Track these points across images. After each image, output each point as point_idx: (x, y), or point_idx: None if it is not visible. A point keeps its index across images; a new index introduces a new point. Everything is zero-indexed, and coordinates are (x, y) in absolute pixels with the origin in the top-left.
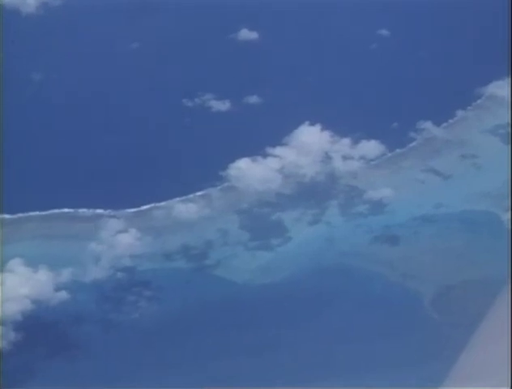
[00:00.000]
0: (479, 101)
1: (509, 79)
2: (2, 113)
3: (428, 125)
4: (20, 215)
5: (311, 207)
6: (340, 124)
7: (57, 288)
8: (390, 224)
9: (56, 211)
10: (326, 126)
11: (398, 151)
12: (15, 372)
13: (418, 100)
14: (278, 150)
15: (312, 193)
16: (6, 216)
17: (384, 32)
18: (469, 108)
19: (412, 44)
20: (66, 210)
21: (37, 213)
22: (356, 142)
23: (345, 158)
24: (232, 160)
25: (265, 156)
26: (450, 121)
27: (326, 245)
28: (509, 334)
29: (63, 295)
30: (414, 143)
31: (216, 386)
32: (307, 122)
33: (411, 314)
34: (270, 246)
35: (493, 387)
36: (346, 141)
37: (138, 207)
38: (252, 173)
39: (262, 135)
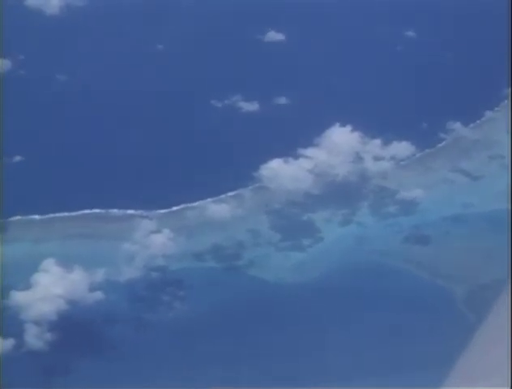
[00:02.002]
0: (506, 102)
1: (510, 79)
2: (29, 113)
3: (457, 125)
4: (50, 215)
5: (342, 207)
6: (370, 125)
7: (92, 288)
8: (421, 224)
9: (87, 211)
10: (356, 126)
11: (427, 151)
12: (50, 371)
13: (446, 101)
14: (309, 151)
15: (343, 193)
16: (36, 217)
17: (410, 33)
18: (496, 109)
19: (439, 46)
20: (96, 210)
21: (67, 214)
22: (386, 142)
23: (376, 158)
24: (264, 161)
25: (296, 156)
26: (478, 121)
27: (358, 245)
28: (509, 334)
29: (98, 295)
30: (443, 144)
31: (248, 386)
32: (337, 123)
33: (445, 312)
34: (301, 247)
35: (493, 387)
36: (376, 142)
37: (169, 208)
38: (284, 173)
39: (293, 136)
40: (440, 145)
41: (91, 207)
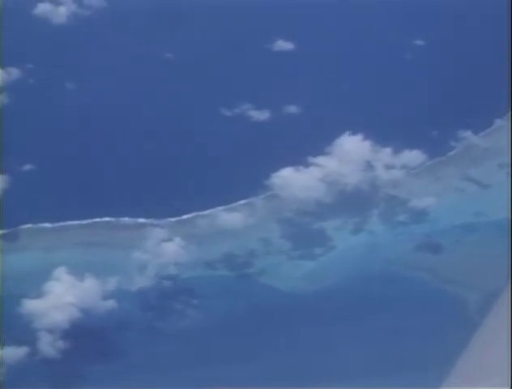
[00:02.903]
0: None
1: (510, 82)
2: (38, 122)
3: (468, 134)
4: (61, 223)
5: (353, 215)
6: (381, 133)
7: (104, 297)
8: (432, 232)
9: (97, 219)
10: (367, 135)
11: (437, 159)
12: (63, 379)
13: (457, 109)
14: (320, 159)
15: (354, 202)
16: (47, 225)
17: (419, 42)
18: (505, 117)
19: (448, 54)
20: (107, 219)
21: (78, 222)
22: (397, 151)
23: (387, 167)
24: (275, 170)
25: (307, 165)
26: (488, 130)
27: (369, 254)
28: (509, 334)
29: (110, 303)
30: (453, 152)
31: None
32: (348, 132)
33: (458, 320)
34: (313, 255)
35: (493, 388)
36: (387, 150)
37: (180, 216)
38: (295, 182)
39: (304, 145)
40: (450, 153)
41: (102, 216)
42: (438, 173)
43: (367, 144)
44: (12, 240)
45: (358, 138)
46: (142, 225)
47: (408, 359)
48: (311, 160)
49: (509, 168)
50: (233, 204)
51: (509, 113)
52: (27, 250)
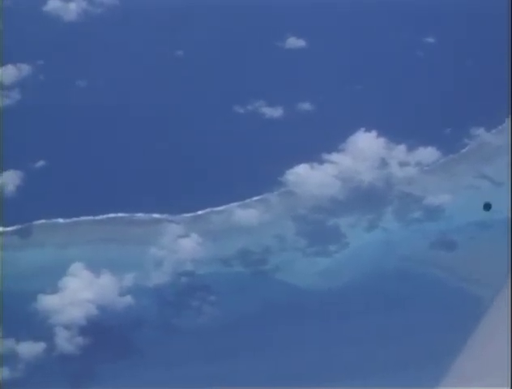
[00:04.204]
0: None
1: (510, 81)
2: (50, 118)
3: (481, 131)
4: (74, 219)
5: (367, 212)
6: (394, 130)
7: (121, 293)
8: (447, 230)
9: (111, 215)
10: (381, 132)
11: (451, 156)
12: (79, 375)
13: (468, 107)
14: (334, 156)
15: (368, 199)
16: (60, 220)
17: (430, 39)
18: None
19: (460, 52)
20: (121, 214)
21: (92, 218)
22: (411, 148)
23: (401, 164)
24: (289, 167)
25: (321, 162)
26: (500, 127)
27: (384, 251)
28: (509, 334)
29: (128, 300)
30: (466, 149)
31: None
32: (362, 129)
33: (473, 316)
34: (328, 252)
35: (493, 387)
36: (402, 147)
37: (194, 212)
38: (310, 178)
39: (317, 142)
40: (463, 151)
41: (116, 211)
42: (452, 171)
43: (381, 141)
44: (26, 236)
45: (372, 135)
46: (158, 221)
47: (423, 355)
48: (325, 157)
49: (509, 167)
50: (248, 200)
51: (510, 113)
52: (41, 245)
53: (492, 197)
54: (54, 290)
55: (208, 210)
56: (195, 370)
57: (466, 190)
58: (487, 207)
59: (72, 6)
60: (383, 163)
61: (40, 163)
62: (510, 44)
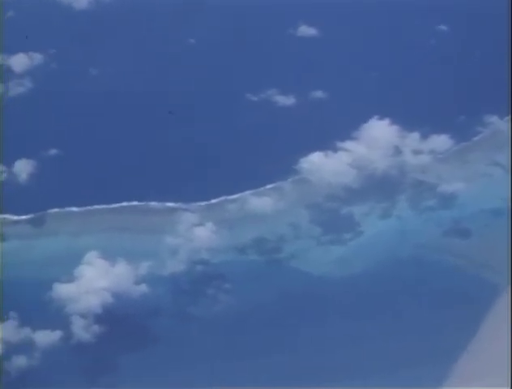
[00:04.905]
0: None
1: (510, 82)
2: (63, 106)
3: (494, 119)
4: (88, 208)
5: (381, 200)
6: (407, 118)
7: (137, 282)
8: (460, 218)
9: (125, 204)
10: (393, 120)
11: (463, 144)
12: (96, 363)
13: (482, 94)
14: (348, 144)
15: (382, 187)
16: (74, 209)
17: (443, 27)
18: None
19: (473, 39)
20: (135, 203)
21: (105, 206)
22: (425, 136)
23: (415, 152)
24: (303, 155)
25: (335, 150)
26: None
27: (398, 239)
28: (509, 334)
29: (143, 288)
30: (479, 137)
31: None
32: (376, 117)
33: (488, 302)
34: (342, 240)
35: (493, 387)
36: (415, 135)
37: (208, 200)
38: (324, 166)
39: (331, 130)
40: (476, 138)
41: (129, 200)
42: (465, 158)
43: (394, 129)
44: (40, 224)
45: (385, 123)
46: (172, 210)
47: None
48: (339, 144)
49: (510, 167)
50: (261, 188)
51: (510, 113)
52: (55, 234)
53: (505, 184)
54: (70, 279)
55: (222, 198)
56: (211, 358)
57: (479, 177)
58: None
59: None
60: (397, 151)
61: (53, 151)
62: (510, 40)
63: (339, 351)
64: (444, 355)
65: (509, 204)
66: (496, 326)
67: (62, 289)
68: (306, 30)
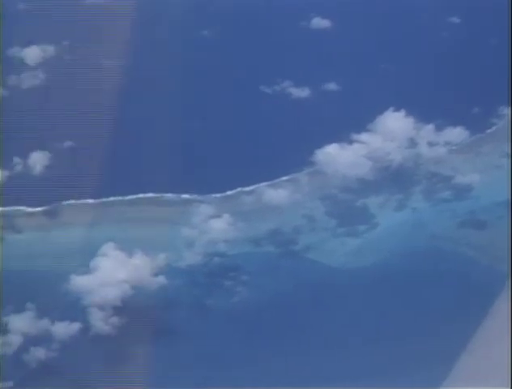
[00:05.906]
0: None
1: (509, 82)
2: (77, 98)
3: (509, 110)
4: (103, 199)
5: (395, 192)
6: (422, 110)
7: (155, 273)
8: (475, 209)
9: (141, 195)
10: (409, 112)
11: (478, 136)
12: (113, 355)
13: (496, 86)
14: (363, 136)
15: (397, 179)
16: (90, 201)
17: (455, 19)
18: None
19: (485, 32)
20: (151, 194)
21: (121, 198)
22: (440, 128)
23: (430, 144)
24: (319, 146)
25: (350, 142)
26: None
27: (414, 231)
28: (509, 334)
29: (161, 280)
30: (493, 129)
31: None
32: (391, 108)
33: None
34: (357, 232)
35: (494, 388)
36: (430, 127)
37: (223, 192)
38: (340, 158)
39: (346, 122)
40: (491, 130)
41: (144, 192)
42: (480, 150)
43: (410, 121)
44: (55, 216)
45: (401, 114)
46: (187, 201)
47: (455, 332)
48: (354, 136)
49: (510, 167)
50: (277, 180)
51: (510, 113)
52: (70, 226)
53: None
54: (87, 270)
55: (238, 190)
56: (229, 350)
57: (493, 169)
58: None
59: None
60: (412, 143)
61: (68, 143)
62: (510, 39)
63: (355, 342)
64: (457, 347)
65: (510, 204)
66: (496, 327)
67: (79, 281)
68: (320, 22)
